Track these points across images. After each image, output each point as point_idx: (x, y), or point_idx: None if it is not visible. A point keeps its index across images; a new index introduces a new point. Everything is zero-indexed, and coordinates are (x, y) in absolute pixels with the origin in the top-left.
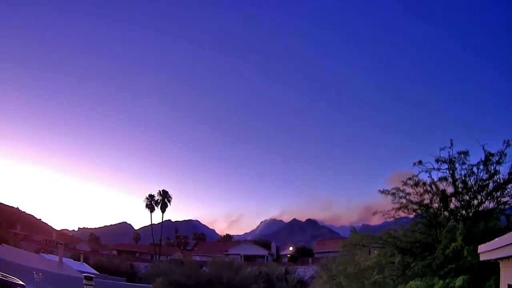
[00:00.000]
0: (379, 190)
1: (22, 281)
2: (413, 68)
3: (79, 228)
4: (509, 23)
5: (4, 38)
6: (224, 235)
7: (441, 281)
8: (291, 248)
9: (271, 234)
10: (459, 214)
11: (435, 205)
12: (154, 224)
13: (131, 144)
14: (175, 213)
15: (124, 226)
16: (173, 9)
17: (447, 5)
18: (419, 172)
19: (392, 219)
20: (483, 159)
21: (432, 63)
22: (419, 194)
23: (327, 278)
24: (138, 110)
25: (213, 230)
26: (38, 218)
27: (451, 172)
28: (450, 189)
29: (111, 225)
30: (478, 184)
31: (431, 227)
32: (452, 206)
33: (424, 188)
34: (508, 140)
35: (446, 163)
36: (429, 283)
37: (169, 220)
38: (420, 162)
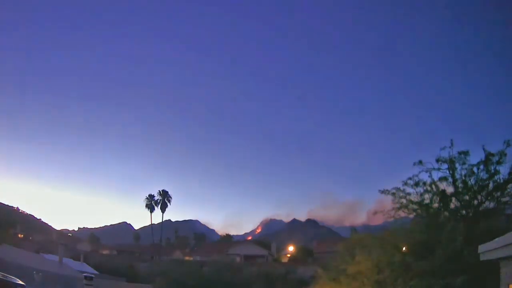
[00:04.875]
0: (379, 190)
1: (22, 281)
2: (411, 67)
3: (79, 228)
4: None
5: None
6: (224, 235)
7: (441, 281)
8: (291, 248)
9: (271, 234)
10: (459, 214)
11: (435, 205)
12: (154, 224)
13: (131, 144)
14: (175, 213)
15: (124, 226)
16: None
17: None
18: (419, 172)
19: (392, 219)
20: (483, 159)
21: (430, 63)
22: (419, 194)
23: (327, 278)
24: (138, 110)
25: (213, 230)
26: (38, 218)
27: (451, 172)
28: (450, 189)
29: (111, 225)
30: (478, 184)
31: (431, 227)
32: (452, 206)
33: (424, 188)
34: (508, 140)
35: (446, 163)
36: (430, 283)
37: (169, 220)
38: (420, 162)
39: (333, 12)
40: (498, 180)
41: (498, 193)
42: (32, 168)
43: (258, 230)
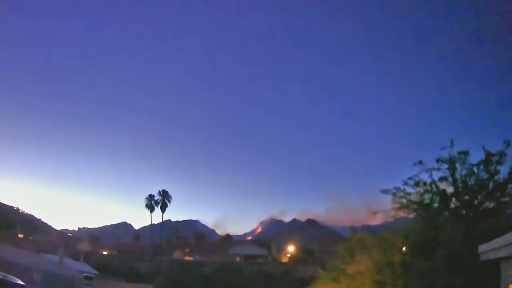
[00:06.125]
0: (380, 190)
1: (22, 281)
2: (411, 67)
3: (79, 228)
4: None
5: None
6: (224, 235)
7: (441, 281)
8: (291, 248)
9: (271, 234)
10: (459, 214)
11: (435, 205)
12: (154, 224)
13: (132, 144)
14: (175, 213)
15: (124, 226)
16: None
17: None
18: (420, 172)
19: (392, 219)
20: (483, 159)
21: (430, 63)
22: (419, 194)
23: (327, 278)
24: (139, 110)
25: (213, 230)
26: (38, 218)
27: (451, 172)
28: (450, 189)
29: (111, 225)
30: (478, 184)
31: (431, 227)
32: (452, 206)
33: (424, 188)
34: (508, 141)
35: (446, 163)
36: (430, 283)
37: (169, 220)
38: (420, 162)
39: (334, 11)
40: (498, 180)
41: (498, 193)
42: (32, 168)
43: (258, 230)
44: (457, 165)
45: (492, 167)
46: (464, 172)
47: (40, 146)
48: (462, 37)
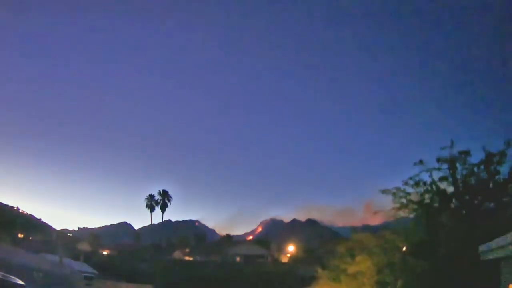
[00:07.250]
0: (380, 190)
1: (22, 281)
2: (411, 66)
3: (79, 228)
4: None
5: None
6: (224, 235)
7: (442, 281)
8: (291, 248)
9: (271, 234)
10: (459, 214)
11: (436, 205)
12: (154, 224)
13: (132, 144)
14: (175, 213)
15: (124, 226)
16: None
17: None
18: (420, 172)
19: (392, 219)
20: (483, 159)
21: (430, 62)
22: (419, 193)
23: (328, 278)
24: (139, 110)
25: (213, 230)
26: (38, 218)
27: (451, 172)
28: (450, 189)
29: (111, 225)
30: (479, 184)
31: (431, 227)
32: (452, 206)
33: (425, 187)
34: (509, 140)
35: (446, 162)
36: (430, 283)
37: (169, 220)
38: (420, 161)
39: (335, 10)
40: (499, 180)
41: (499, 193)
42: (32, 167)
43: (258, 230)
44: (458, 165)
45: (493, 167)
46: (464, 172)
47: (40, 146)
48: (462, 37)
